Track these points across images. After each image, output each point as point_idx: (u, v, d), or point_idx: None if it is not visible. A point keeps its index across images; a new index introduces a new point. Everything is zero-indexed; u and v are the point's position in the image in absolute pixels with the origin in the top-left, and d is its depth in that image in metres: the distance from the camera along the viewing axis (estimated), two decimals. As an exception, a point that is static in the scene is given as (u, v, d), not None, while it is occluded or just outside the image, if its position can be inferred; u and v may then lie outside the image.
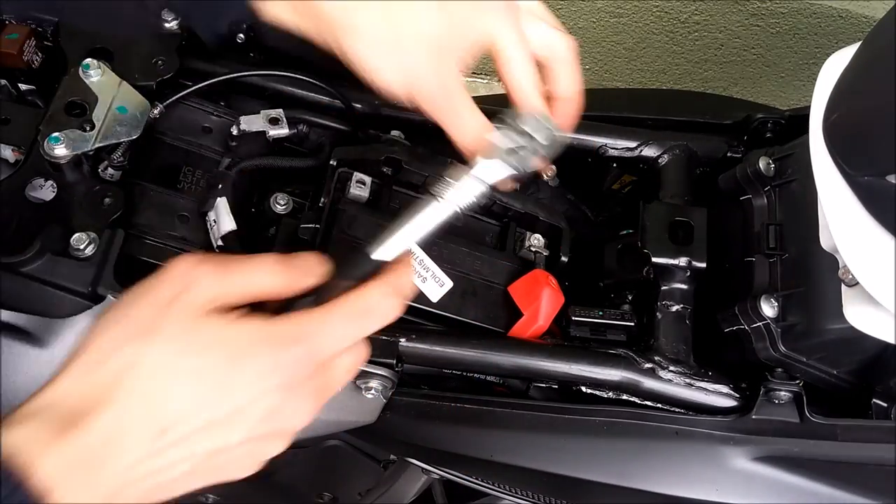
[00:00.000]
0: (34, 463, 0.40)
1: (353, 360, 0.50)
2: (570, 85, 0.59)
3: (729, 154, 0.75)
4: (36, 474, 0.40)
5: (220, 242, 0.64)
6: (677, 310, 0.66)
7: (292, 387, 0.46)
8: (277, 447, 0.48)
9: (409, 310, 0.66)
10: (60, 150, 0.61)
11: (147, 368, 0.44)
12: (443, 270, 0.67)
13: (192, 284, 0.46)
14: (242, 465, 0.47)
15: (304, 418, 0.48)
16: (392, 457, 0.89)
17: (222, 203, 0.65)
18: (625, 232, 0.75)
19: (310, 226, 0.67)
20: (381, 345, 0.62)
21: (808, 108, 0.57)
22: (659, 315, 0.66)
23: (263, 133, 0.70)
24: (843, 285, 0.56)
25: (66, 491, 0.40)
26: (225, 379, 0.44)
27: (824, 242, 0.57)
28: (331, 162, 0.70)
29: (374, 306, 0.49)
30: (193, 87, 0.68)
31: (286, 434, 0.48)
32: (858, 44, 0.53)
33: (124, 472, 0.43)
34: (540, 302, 0.64)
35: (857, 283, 0.54)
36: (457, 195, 0.53)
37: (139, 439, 0.43)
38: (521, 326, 0.65)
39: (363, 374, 0.62)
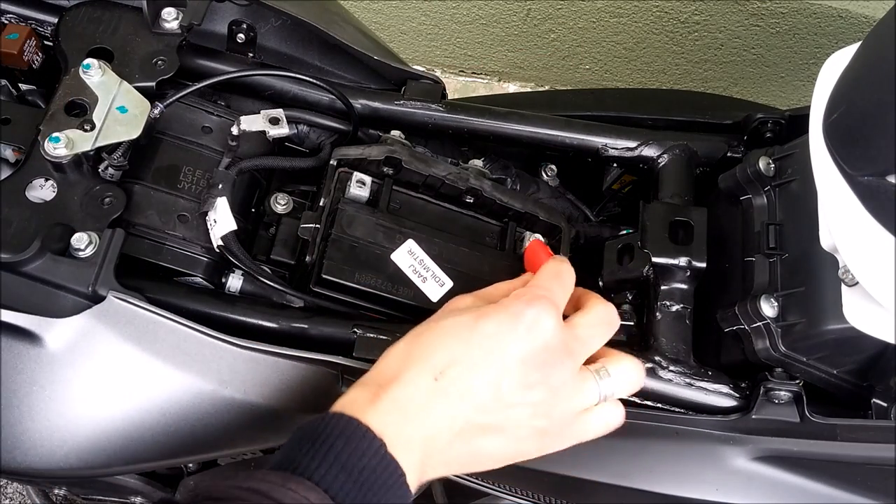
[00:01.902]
0: (366, 414, 0.49)
1: (613, 415, 0.57)
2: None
3: (729, 154, 0.75)
4: (369, 422, 0.49)
5: (219, 242, 0.64)
6: (677, 310, 0.66)
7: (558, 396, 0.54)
8: (533, 446, 0.55)
9: (409, 310, 0.66)
10: (60, 150, 0.61)
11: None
12: (443, 270, 0.67)
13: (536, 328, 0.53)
14: (502, 444, 0.54)
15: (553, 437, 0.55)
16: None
17: (222, 203, 0.65)
18: (625, 231, 0.76)
19: (310, 226, 0.67)
20: (381, 345, 0.62)
21: (808, 108, 0.57)
22: (659, 315, 0.66)
23: (263, 133, 0.70)
24: (843, 285, 0.56)
25: (392, 435, 0.49)
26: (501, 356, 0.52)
27: (824, 242, 0.57)
28: (331, 162, 0.70)
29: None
30: (193, 87, 0.68)
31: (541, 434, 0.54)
32: (858, 44, 0.53)
33: (424, 421, 0.51)
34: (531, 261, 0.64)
35: (857, 283, 0.54)
36: None
37: (422, 386, 0.51)
38: None
39: (363, 374, 0.62)
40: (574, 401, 0.54)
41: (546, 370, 0.53)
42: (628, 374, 0.56)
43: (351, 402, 0.51)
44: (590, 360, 0.57)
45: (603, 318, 0.57)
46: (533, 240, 0.71)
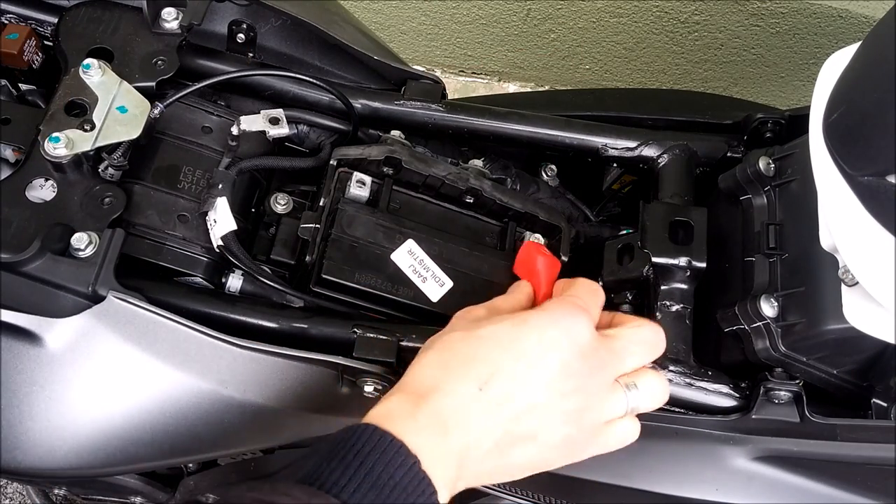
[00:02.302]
0: (403, 428, 0.48)
1: (631, 429, 0.57)
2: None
3: (729, 154, 0.75)
4: (404, 437, 0.47)
5: (220, 242, 0.64)
6: (677, 310, 0.66)
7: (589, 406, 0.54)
8: (566, 453, 0.55)
9: (409, 310, 0.66)
10: (60, 150, 0.61)
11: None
12: (443, 270, 0.67)
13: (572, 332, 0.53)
14: (536, 452, 0.53)
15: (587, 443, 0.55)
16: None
17: (222, 203, 0.65)
18: (625, 231, 0.76)
19: (310, 226, 0.67)
20: (381, 345, 0.62)
21: (808, 108, 0.57)
22: (659, 315, 0.66)
23: (263, 133, 0.70)
24: (843, 285, 0.56)
25: (429, 450, 0.48)
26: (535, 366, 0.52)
27: (824, 242, 0.57)
28: (331, 162, 0.70)
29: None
30: (193, 87, 0.68)
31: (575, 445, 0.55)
32: (858, 44, 0.53)
33: (465, 433, 0.50)
34: (538, 274, 0.64)
35: (857, 283, 0.54)
36: None
37: (466, 396, 0.50)
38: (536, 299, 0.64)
39: (362, 373, 0.62)
40: (604, 411, 0.55)
41: (582, 379, 0.53)
42: (655, 389, 0.56)
43: (387, 414, 0.49)
44: (607, 327, 0.57)
45: (648, 338, 0.57)
46: (527, 241, 0.70)
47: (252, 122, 0.69)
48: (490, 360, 0.52)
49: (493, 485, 0.70)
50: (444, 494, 0.48)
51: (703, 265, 0.66)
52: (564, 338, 0.53)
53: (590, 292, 0.57)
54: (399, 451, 0.47)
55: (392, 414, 0.49)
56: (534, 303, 0.63)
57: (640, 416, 0.63)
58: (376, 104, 0.76)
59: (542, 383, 0.52)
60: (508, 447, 0.52)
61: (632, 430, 0.57)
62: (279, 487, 0.45)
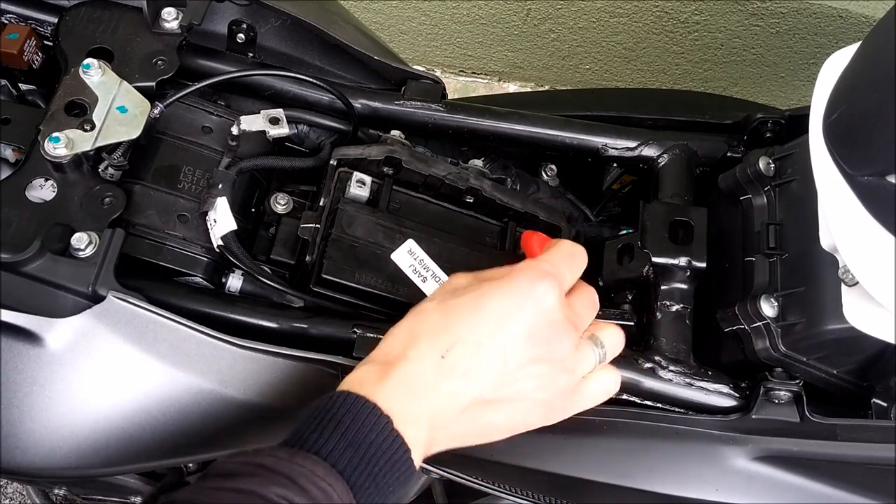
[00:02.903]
0: (374, 391, 0.50)
1: (610, 380, 0.58)
2: None
3: (729, 154, 0.75)
4: (376, 399, 0.50)
5: (219, 242, 0.64)
6: (677, 309, 0.66)
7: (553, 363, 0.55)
8: (535, 414, 0.56)
9: (409, 309, 0.66)
10: (60, 150, 0.61)
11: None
12: (443, 270, 0.67)
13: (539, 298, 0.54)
14: (504, 417, 0.55)
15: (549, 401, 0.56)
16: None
17: (222, 203, 0.65)
18: (625, 231, 0.76)
19: (310, 226, 0.67)
20: (381, 345, 0.62)
21: (808, 108, 0.57)
22: (659, 315, 0.66)
23: (263, 133, 0.70)
24: (843, 285, 0.56)
25: (400, 412, 0.50)
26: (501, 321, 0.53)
27: (824, 242, 0.57)
28: (331, 162, 0.70)
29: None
30: (193, 87, 0.68)
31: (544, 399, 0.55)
32: (858, 44, 0.53)
33: (433, 398, 0.52)
34: (533, 253, 0.65)
35: (857, 283, 0.54)
36: None
37: (428, 364, 0.52)
38: None
39: (363, 374, 0.62)
40: (576, 371, 0.56)
41: (550, 345, 0.54)
42: (615, 337, 0.59)
43: (359, 381, 0.52)
44: None
45: (591, 298, 0.59)
46: (527, 231, 0.71)
47: (252, 122, 0.69)
48: (453, 330, 0.53)
49: (493, 484, 0.70)
50: (417, 454, 0.51)
51: (703, 265, 0.66)
52: (528, 303, 0.53)
53: (563, 256, 0.58)
54: (372, 411, 0.49)
55: (364, 380, 0.52)
56: None
57: (641, 416, 0.63)
58: (376, 104, 0.76)
59: (506, 349, 0.53)
60: (480, 413, 0.54)
61: (611, 380, 0.59)
62: (263, 451, 0.48)
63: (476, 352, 0.53)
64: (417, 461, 0.51)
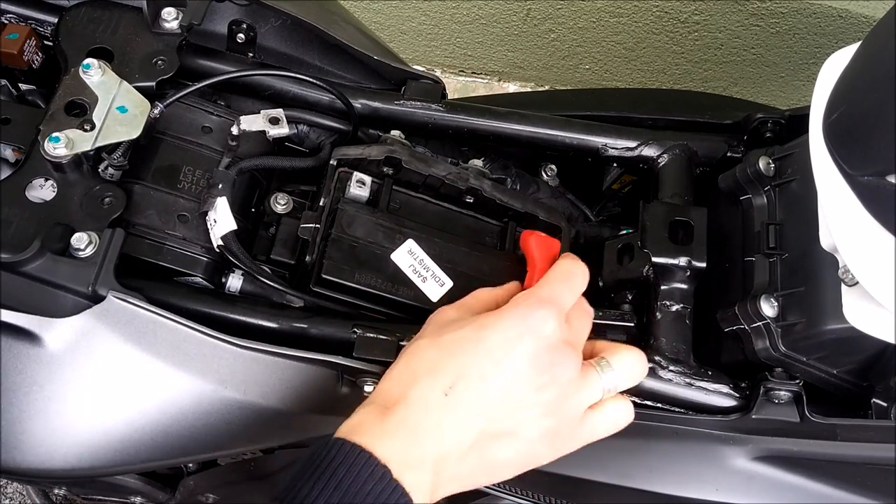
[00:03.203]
0: (372, 439, 0.49)
1: (620, 411, 0.57)
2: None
3: (729, 154, 0.75)
4: (374, 447, 0.48)
5: (219, 242, 0.64)
6: (677, 309, 0.66)
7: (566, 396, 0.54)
8: (545, 451, 0.55)
9: (409, 310, 0.66)
10: (60, 150, 0.61)
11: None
12: (443, 270, 0.67)
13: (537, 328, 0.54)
14: (513, 453, 0.54)
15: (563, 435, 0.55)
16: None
17: (222, 203, 0.65)
18: (625, 231, 0.75)
19: (310, 226, 0.67)
20: (382, 344, 0.62)
21: (808, 108, 0.57)
22: (659, 315, 0.66)
23: (263, 133, 0.70)
24: (843, 285, 0.56)
25: (401, 458, 0.49)
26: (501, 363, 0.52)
27: (824, 242, 0.57)
28: (331, 162, 0.70)
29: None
30: (193, 87, 0.68)
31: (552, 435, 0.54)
32: (858, 44, 0.53)
33: (438, 439, 0.50)
34: (531, 254, 0.65)
35: (857, 283, 0.54)
36: None
37: (432, 403, 0.51)
38: (527, 281, 0.65)
39: (363, 373, 0.62)
40: (581, 395, 0.55)
41: (553, 371, 0.53)
42: (628, 362, 0.57)
43: (357, 426, 0.50)
44: (589, 357, 0.57)
45: (584, 309, 0.59)
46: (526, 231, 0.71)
47: (252, 122, 0.69)
48: (454, 365, 0.52)
49: (493, 485, 0.70)
50: (422, 499, 0.49)
51: (703, 265, 0.66)
52: (528, 333, 0.53)
53: (562, 278, 0.57)
54: (368, 461, 0.48)
55: (362, 425, 0.50)
56: (529, 282, 0.63)
57: (641, 416, 0.63)
58: (376, 104, 0.76)
59: (510, 380, 0.52)
60: (487, 448, 0.52)
61: (622, 413, 0.57)
62: None
63: (480, 385, 0.52)
64: None
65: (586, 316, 0.58)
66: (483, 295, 0.60)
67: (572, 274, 0.58)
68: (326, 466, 0.48)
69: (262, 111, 0.70)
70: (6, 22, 0.72)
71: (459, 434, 0.51)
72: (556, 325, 0.54)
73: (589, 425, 0.56)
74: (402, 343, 0.62)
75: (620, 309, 0.69)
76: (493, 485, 0.70)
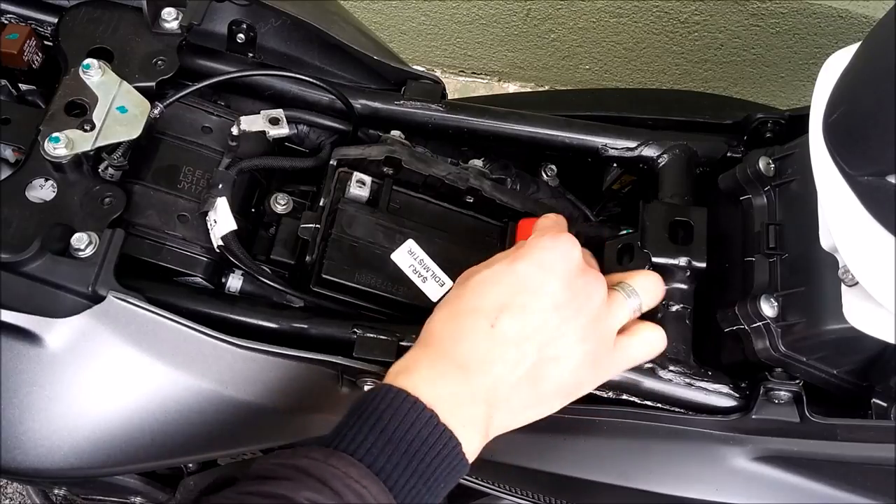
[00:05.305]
0: (420, 381, 0.50)
1: (654, 335, 0.59)
2: None
3: (729, 154, 0.75)
4: (420, 390, 0.49)
5: (220, 242, 0.64)
6: (677, 310, 0.66)
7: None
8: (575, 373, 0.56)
9: (409, 310, 0.66)
10: (60, 150, 0.61)
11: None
12: (443, 270, 0.67)
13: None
14: (562, 371, 0.55)
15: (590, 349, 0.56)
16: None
17: (222, 203, 0.65)
18: (625, 231, 0.75)
19: (310, 226, 0.67)
20: (381, 345, 0.62)
21: (808, 108, 0.57)
22: (659, 315, 0.66)
23: (263, 133, 0.70)
24: (843, 285, 0.56)
25: (452, 396, 0.50)
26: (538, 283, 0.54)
27: (824, 242, 0.57)
28: (331, 162, 0.70)
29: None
30: (193, 87, 0.68)
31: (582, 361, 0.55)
32: (858, 44, 0.53)
33: (487, 371, 0.52)
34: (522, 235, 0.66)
35: (857, 283, 0.54)
36: None
37: (479, 338, 0.52)
38: None
39: (363, 373, 0.62)
40: (612, 318, 0.57)
41: (585, 293, 0.55)
42: (649, 284, 0.60)
43: (404, 370, 0.52)
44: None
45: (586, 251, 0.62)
46: (522, 220, 0.72)
47: (252, 123, 0.69)
48: (495, 299, 0.54)
49: (493, 484, 0.70)
50: (475, 437, 0.50)
51: (703, 265, 0.66)
52: (560, 261, 0.55)
53: (551, 224, 0.61)
54: (414, 406, 0.49)
55: (409, 369, 0.52)
56: None
57: (641, 416, 0.63)
58: (376, 104, 0.76)
59: (549, 307, 0.54)
60: (536, 375, 0.54)
61: (656, 337, 0.59)
62: (300, 451, 0.47)
63: (522, 314, 0.53)
64: (477, 445, 0.51)
65: (590, 254, 0.62)
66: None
67: (559, 219, 0.62)
68: (373, 411, 0.49)
69: (262, 111, 0.70)
70: (6, 22, 0.72)
71: (508, 365, 0.53)
72: (579, 253, 0.56)
73: (624, 349, 0.58)
74: (402, 343, 0.62)
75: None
76: (494, 484, 0.70)
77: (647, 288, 0.59)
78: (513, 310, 0.53)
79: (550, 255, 0.55)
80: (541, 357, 0.54)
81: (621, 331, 0.58)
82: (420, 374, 0.51)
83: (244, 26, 0.75)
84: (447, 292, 0.66)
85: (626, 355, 0.58)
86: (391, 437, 0.48)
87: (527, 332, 0.53)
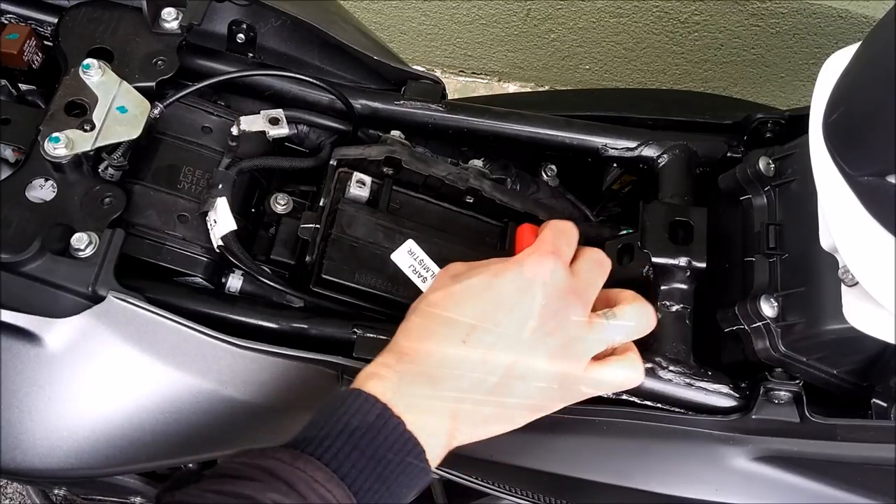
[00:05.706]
0: (387, 388, 0.51)
1: (629, 365, 0.58)
2: None
3: (729, 154, 0.75)
4: (389, 397, 0.50)
5: (220, 242, 0.64)
6: (677, 310, 0.66)
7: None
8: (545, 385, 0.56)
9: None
10: (60, 150, 0.61)
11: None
12: (443, 270, 0.67)
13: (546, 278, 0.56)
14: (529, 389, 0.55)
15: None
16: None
17: (222, 203, 0.65)
18: (625, 231, 0.75)
19: (310, 226, 0.67)
20: (381, 345, 0.62)
21: (808, 108, 0.57)
22: (659, 315, 0.66)
23: (263, 133, 0.70)
24: (843, 285, 0.56)
25: (417, 404, 0.51)
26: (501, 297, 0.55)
27: (824, 242, 0.57)
28: (331, 162, 0.70)
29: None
30: (193, 87, 0.68)
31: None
32: (858, 44, 0.53)
33: (455, 384, 0.52)
34: (524, 242, 0.66)
35: (857, 283, 0.54)
36: None
37: (450, 351, 0.53)
38: None
39: (363, 374, 0.62)
40: (587, 341, 0.56)
41: (561, 315, 0.55)
42: (634, 314, 0.59)
43: (374, 374, 0.52)
44: (605, 303, 0.60)
45: (595, 259, 0.60)
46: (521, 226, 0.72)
47: (252, 123, 0.69)
48: (471, 312, 0.54)
49: (493, 484, 0.70)
50: (437, 446, 0.51)
51: (703, 265, 0.66)
52: (537, 281, 0.55)
53: (558, 233, 0.59)
54: (382, 413, 0.49)
55: (380, 374, 0.52)
56: None
57: (641, 416, 0.63)
58: (376, 104, 0.76)
59: (522, 326, 0.54)
60: (503, 392, 0.54)
61: (633, 368, 0.58)
62: (267, 452, 0.48)
63: (495, 331, 0.54)
64: (438, 453, 0.51)
65: (597, 266, 0.60)
66: (489, 260, 0.62)
67: (564, 230, 0.60)
68: (342, 416, 0.49)
69: (261, 111, 0.70)
70: (6, 22, 0.72)
71: (476, 380, 0.53)
72: (563, 275, 0.56)
73: (595, 375, 0.57)
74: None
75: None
76: (494, 484, 0.70)
77: (633, 318, 0.59)
78: (486, 326, 0.54)
79: (530, 275, 0.55)
80: (509, 374, 0.54)
81: (603, 356, 0.58)
82: (390, 381, 0.51)
83: (244, 26, 0.75)
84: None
85: (595, 381, 0.58)
86: (358, 443, 0.48)
87: (497, 350, 0.54)
